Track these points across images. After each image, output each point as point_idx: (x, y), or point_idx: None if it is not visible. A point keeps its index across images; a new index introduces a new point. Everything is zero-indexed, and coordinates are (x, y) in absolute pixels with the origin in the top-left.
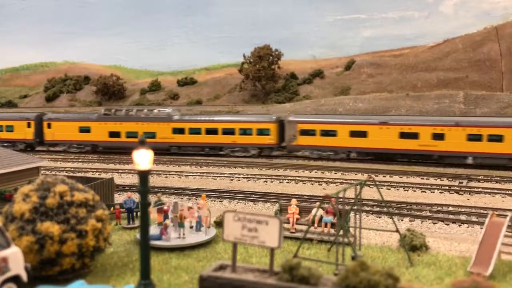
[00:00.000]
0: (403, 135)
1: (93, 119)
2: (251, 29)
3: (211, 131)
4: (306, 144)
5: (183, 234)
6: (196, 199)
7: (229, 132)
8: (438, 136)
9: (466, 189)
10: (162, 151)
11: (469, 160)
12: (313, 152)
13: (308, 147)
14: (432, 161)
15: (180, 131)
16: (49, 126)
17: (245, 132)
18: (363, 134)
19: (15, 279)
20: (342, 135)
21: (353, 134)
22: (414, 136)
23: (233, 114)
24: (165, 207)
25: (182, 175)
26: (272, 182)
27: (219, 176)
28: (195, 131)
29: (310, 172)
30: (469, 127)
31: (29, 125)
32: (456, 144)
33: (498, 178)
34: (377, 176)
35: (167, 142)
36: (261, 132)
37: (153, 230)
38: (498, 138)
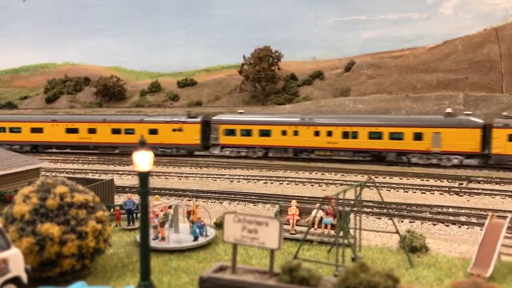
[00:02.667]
0: (68, 130)
1: None
2: (251, 31)
3: None
4: None
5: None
6: (193, 200)
7: None
8: (92, 131)
9: (466, 190)
10: None
11: (116, 150)
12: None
13: None
14: (89, 150)
15: None
16: None
17: None
18: (40, 130)
19: (15, 280)
20: (25, 131)
21: (33, 130)
22: (75, 131)
23: None
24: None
25: (182, 176)
26: (272, 183)
27: (219, 178)
28: None
29: (310, 174)
30: (113, 123)
31: None
32: (104, 136)
33: (498, 180)
34: (377, 177)
35: None
36: None
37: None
38: (131, 131)
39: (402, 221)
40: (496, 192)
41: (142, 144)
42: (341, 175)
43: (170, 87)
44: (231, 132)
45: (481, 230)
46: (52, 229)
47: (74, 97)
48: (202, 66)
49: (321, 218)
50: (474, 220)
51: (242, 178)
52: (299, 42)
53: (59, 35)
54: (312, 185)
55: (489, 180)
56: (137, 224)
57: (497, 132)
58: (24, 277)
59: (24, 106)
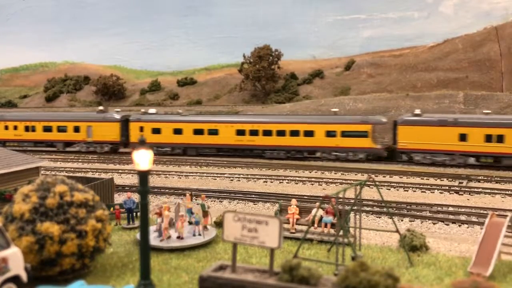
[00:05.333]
0: None
1: None
2: (251, 29)
3: None
4: None
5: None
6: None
7: None
8: None
9: (466, 189)
10: None
11: None
12: None
13: None
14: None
15: None
16: None
17: None
18: None
19: (15, 279)
20: None
21: None
22: None
23: None
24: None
25: (182, 175)
26: (272, 182)
27: (219, 176)
28: None
29: (310, 172)
30: None
31: None
32: None
33: (498, 178)
34: (377, 176)
35: None
36: None
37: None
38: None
39: (402, 220)
40: (496, 191)
41: (142, 143)
42: (341, 174)
43: (170, 86)
44: None
45: (481, 229)
46: (51, 228)
47: (74, 96)
48: (202, 65)
49: (321, 217)
50: (474, 219)
51: (242, 177)
52: (299, 41)
53: (58, 34)
54: (312, 184)
55: (489, 179)
56: (137, 223)
57: (132, 125)
58: (24, 276)
59: (24, 105)
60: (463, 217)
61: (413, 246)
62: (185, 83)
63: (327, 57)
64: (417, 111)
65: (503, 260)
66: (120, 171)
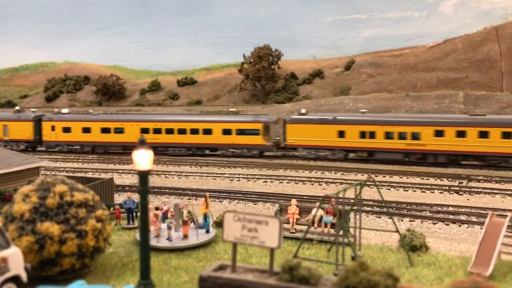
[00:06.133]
0: None
1: None
2: (251, 29)
3: None
4: None
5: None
6: (196, 199)
7: None
8: None
9: (466, 189)
10: None
11: None
12: None
13: None
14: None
15: None
16: None
17: None
18: None
19: (15, 279)
20: None
21: None
22: None
23: None
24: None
25: (182, 175)
26: (272, 182)
27: (219, 176)
28: None
29: (310, 172)
30: None
31: None
32: None
33: (498, 178)
34: (377, 176)
35: None
36: None
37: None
38: None
39: (402, 220)
40: (496, 191)
41: (142, 143)
42: (341, 174)
43: (170, 86)
44: None
45: (481, 229)
46: (51, 228)
47: (74, 96)
48: (202, 65)
49: (321, 217)
50: (474, 219)
51: (242, 177)
52: (299, 41)
53: (58, 34)
54: (312, 184)
55: (489, 179)
56: (136, 223)
57: (45, 124)
58: (24, 276)
59: (24, 105)
60: (463, 217)
61: (413, 246)
62: (185, 83)
63: (327, 57)
64: (303, 111)
65: (503, 260)
66: (120, 171)
